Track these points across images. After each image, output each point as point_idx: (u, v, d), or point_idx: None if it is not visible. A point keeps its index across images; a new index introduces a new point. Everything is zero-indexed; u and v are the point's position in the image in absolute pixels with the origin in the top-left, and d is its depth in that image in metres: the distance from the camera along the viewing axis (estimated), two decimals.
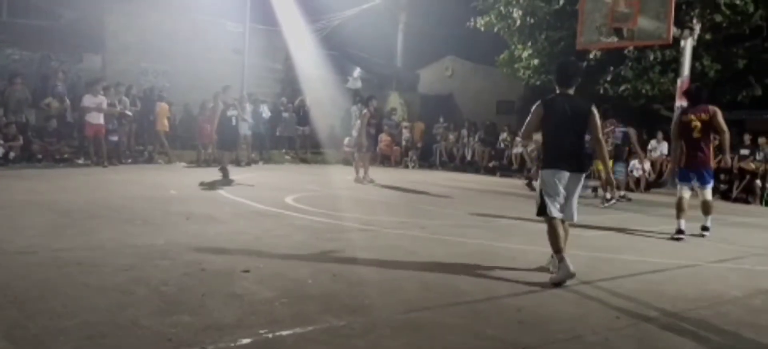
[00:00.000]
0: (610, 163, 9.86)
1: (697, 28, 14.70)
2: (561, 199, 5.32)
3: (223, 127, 12.86)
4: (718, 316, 4.42)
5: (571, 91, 5.44)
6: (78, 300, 3.97)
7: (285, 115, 19.94)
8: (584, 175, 5.46)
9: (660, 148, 16.29)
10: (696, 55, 15.02)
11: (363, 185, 12.92)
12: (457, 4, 21.09)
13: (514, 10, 17.76)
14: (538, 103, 5.47)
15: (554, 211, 5.28)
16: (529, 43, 18.04)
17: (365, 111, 13.86)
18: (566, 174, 5.29)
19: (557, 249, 5.19)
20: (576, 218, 5.47)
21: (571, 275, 5.05)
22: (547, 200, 5.29)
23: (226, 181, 12.00)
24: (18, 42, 17.01)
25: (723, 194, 14.03)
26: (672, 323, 4.21)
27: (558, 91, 5.46)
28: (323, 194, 11.08)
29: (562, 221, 5.34)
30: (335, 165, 18.87)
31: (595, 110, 5.41)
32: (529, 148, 17.94)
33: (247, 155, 17.13)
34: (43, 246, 5.41)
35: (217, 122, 13.08)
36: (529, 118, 5.47)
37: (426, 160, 21.02)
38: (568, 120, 5.30)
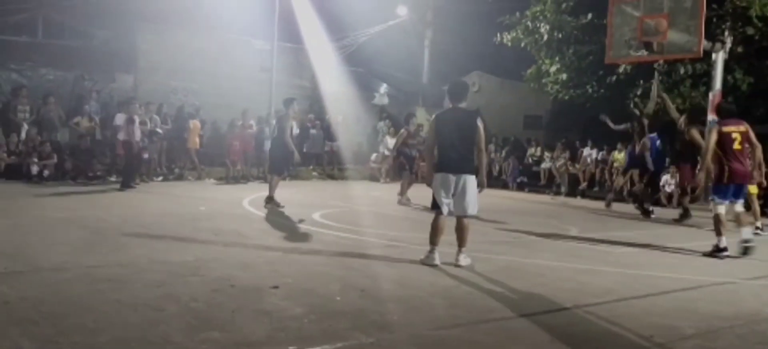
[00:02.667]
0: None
1: (729, 41, 14.47)
2: (449, 199, 6.15)
3: (280, 148, 10.81)
4: (754, 334, 4.31)
5: (462, 105, 6.31)
6: (110, 316, 4.01)
7: (312, 131, 20.06)
8: (473, 177, 6.17)
9: None
10: (728, 69, 14.78)
11: (397, 204, 12.47)
12: (483, 20, 21.05)
13: (542, 25, 17.69)
14: (432, 118, 6.42)
15: (443, 208, 6.19)
16: (557, 58, 17.93)
17: (403, 130, 13.75)
18: (452, 177, 6.10)
19: (433, 241, 6.19)
20: (471, 212, 6.21)
21: (433, 265, 6.04)
22: (438, 200, 6.20)
23: (274, 206, 10.47)
24: (52, 62, 17.43)
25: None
26: (708, 342, 4.11)
27: (450, 106, 6.36)
28: (350, 211, 11.10)
29: (460, 217, 6.20)
30: (362, 181, 18.90)
31: (480, 123, 6.21)
32: (558, 164, 17.79)
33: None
34: (76, 263, 5.49)
35: (280, 142, 10.88)
36: (429, 133, 6.48)
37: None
38: (455, 131, 6.14)
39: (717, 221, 7.55)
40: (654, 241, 8.63)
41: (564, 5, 17.32)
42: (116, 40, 18.61)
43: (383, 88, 24.75)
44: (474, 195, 6.18)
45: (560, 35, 17.50)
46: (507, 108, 23.75)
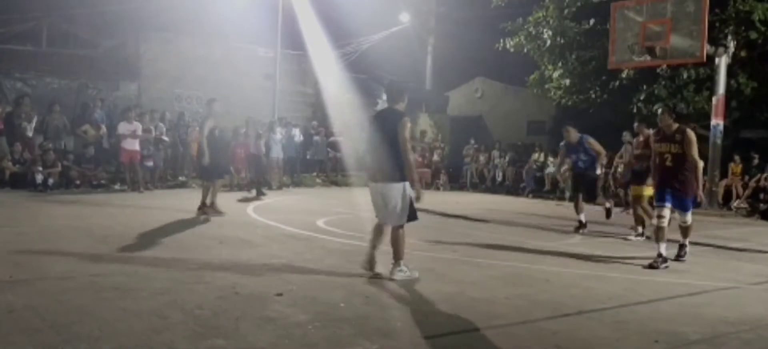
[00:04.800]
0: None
1: (732, 45, 14.48)
2: (375, 206, 5.83)
3: (212, 150, 10.01)
4: (760, 339, 4.29)
5: (399, 107, 5.77)
6: (115, 324, 4.02)
7: (316, 138, 20.09)
8: (397, 184, 5.59)
9: None
10: (731, 73, 14.78)
11: (437, 205, 12.96)
12: (485, 26, 21.11)
13: (544, 30, 17.71)
14: (369, 118, 6.13)
15: (377, 216, 5.85)
16: (560, 64, 17.94)
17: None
18: (375, 185, 5.74)
19: (373, 244, 5.89)
20: (396, 222, 5.69)
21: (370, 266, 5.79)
22: (374, 208, 5.86)
23: (216, 213, 10.04)
24: (57, 70, 17.53)
25: (762, 214, 13.71)
26: (713, 347, 4.10)
27: (386, 107, 5.92)
28: (354, 217, 11.09)
29: (390, 228, 5.77)
30: (366, 188, 18.88)
31: (404, 121, 5.57)
32: (563, 169, 17.76)
33: (279, 179, 17.27)
34: (81, 271, 5.51)
35: (200, 145, 10.30)
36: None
37: (456, 181, 20.94)
38: (379, 134, 5.73)
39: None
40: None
41: (566, 11, 17.33)
42: (120, 49, 18.72)
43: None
44: (397, 203, 5.60)
45: (563, 41, 17.51)
46: (510, 114, 23.78)
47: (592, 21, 16.89)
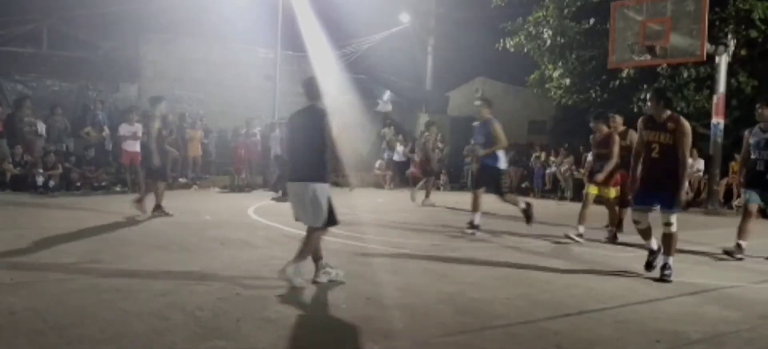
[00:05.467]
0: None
1: (732, 44, 14.48)
2: (294, 207, 5.55)
3: (160, 151, 9.86)
4: (762, 339, 4.29)
5: (319, 104, 5.62)
6: (116, 326, 4.03)
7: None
8: (319, 184, 5.42)
9: (697, 165, 15.98)
10: (731, 72, 14.78)
11: (419, 208, 13.20)
12: (485, 26, 21.12)
13: (544, 30, 17.72)
14: (288, 118, 5.79)
15: (298, 218, 5.59)
16: (560, 63, 17.95)
17: (427, 134, 14.70)
18: (298, 185, 5.45)
19: (316, 257, 5.53)
20: (317, 223, 5.45)
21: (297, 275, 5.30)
22: (292, 210, 5.61)
23: (144, 213, 9.70)
24: (57, 73, 17.53)
25: (763, 212, 13.69)
26: (714, 347, 4.10)
27: (305, 105, 5.69)
28: (355, 218, 11.09)
29: (309, 228, 5.48)
30: (366, 188, 18.89)
31: (328, 120, 5.53)
32: (563, 169, 17.77)
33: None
34: (82, 272, 5.51)
35: (151, 144, 9.88)
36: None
37: (456, 181, 20.93)
38: (302, 133, 5.55)
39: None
40: (659, 246, 8.59)
41: (566, 10, 17.34)
42: (120, 50, 18.72)
43: (387, 95, 24.79)
44: (321, 204, 5.40)
45: (563, 40, 17.51)
46: (511, 114, 23.74)
47: (592, 20, 16.90)
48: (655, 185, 6.08)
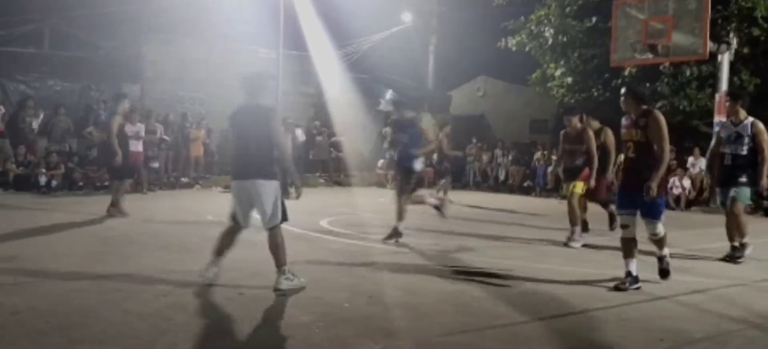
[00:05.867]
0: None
1: (734, 42, 14.44)
2: (245, 209, 5.34)
3: (122, 149, 9.62)
4: (765, 337, 4.30)
5: (261, 101, 5.47)
6: (118, 326, 4.03)
7: (318, 138, 20.09)
8: (270, 182, 5.27)
9: (699, 164, 15.95)
10: (734, 70, 14.74)
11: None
12: (487, 25, 21.10)
13: (546, 29, 17.70)
14: (229, 115, 5.63)
15: (240, 220, 5.39)
16: (562, 62, 17.92)
17: (441, 135, 14.52)
18: (246, 184, 5.27)
19: (218, 251, 5.39)
20: (272, 222, 5.29)
21: (209, 281, 5.18)
22: (235, 212, 5.40)
23: (120, 214, 9.54)
24: (59, 73, 17.53)
25: (766, 211, 13.68)
26: (717, 345, 4.09)
27: (246, 102, 5.49)
28: (357, 217, 11.10)
29: (268, 231, 5.29)
30: (369, 188, 18.89)
31: (275, 117, 5.52)
32: (560, 168, 17.74)
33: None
34: (85, 273, 5.52)
35: (113, 142, 9.57)
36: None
37: (459, 180, 20.91)
38: (249, 130, 5.35)
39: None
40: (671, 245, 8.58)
41: (568, 9, 17.31)
42: (122, 50, 18.71)
43: (389, 94, 24.78)
44: (273, 202, 5.26)
45: (565, 39, 17.49)
46: (513, 112, 23.76)
47: (594, 19, 16.87)
48: (635, 186, 5.58)
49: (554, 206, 14.45)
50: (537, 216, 12.22)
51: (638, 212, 5.66)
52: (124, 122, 9.91)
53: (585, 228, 8.83)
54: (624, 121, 5.86)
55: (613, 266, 6.73)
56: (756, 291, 5.81)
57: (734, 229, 7.26)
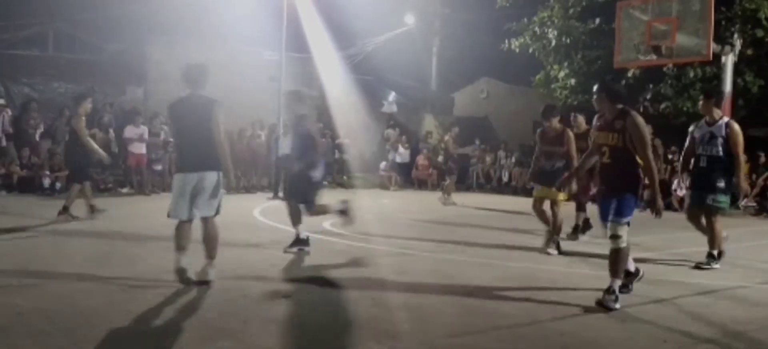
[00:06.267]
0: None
1: (738, 43, 14.43)
2: (188, 202, 5.29)
3: (79, 151, 9.47)
4: None
5: (203, 92, 5.49)
6: (122, 327, 4.03)
7: (321, 140, 20.10)
8: (218, 172, 5.34)
9: None
10: (738, 71, 14.72)
11: (444, 207, 13.65)
12: (490, 26, 21.10)
13: (549, 30, 17.70)
14: (168, 106, 5.64)
15: (180, 213, 5.30)
16: (565, 63, 17.92)
17: (448, 137, 14.98)
18: (193, 176, 5.27)
19: (179, 247, 5.28)
20: (214, 212, 5.40)
21: (182, 272, 5.17)
22: (173, 203, 5.34)
23: (68, 218, 9.26)
24: (63, 76, 17.58)
25: None
26: (722, 347, 4.08)
27: (187, 93, 5.50)
28: (360, 219, 11.08)
29: (205, 221, 5.37)
30: (372, 189, 18.90)
31: (218, 109, 5.43)
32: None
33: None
34: (89, 274, 5.52)
35: (75, 146, 9.47)
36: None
37: (462, 182, 20.90)
38: (193, 122, 5.35)
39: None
40: (664, 246, 8.59)
41: (571, 10, 17.31)
42: (126, 53, 18.75)
43: (392, 96, 24.80)
44: (217, 193, 5.36)
45: (568, 40, 17.49)
46: (516, 114, 23.73)
47: (597, 20, 16.88)
48: (611, 193, 5.12)
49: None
50: (526, 218, 12.18)
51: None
52: (87, 123, 9.62)
53: (586, 227, 8.76)
54: (596, 122, 5.40)
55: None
56: (760, 293, 5.79)
57: (710, 236, 6.94)
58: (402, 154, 20.56)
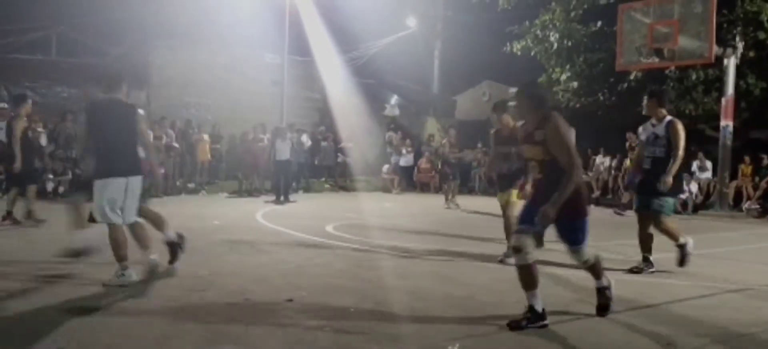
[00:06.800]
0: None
1: (740, 46, 14.43)
2: (120, 205, 5.37)
3: (25, 153, 9.09)
4: None
5: (120, 96, 5.50)
6: (127, 331, 4.04)
7: (324, 144, 20.13)
8: (139, 177, 5.48)
9: (705, 168, 15.93)
10: (740, 74, 14.71)
11: (447, 210, 13.84)
12: (492, 29, 21.11)
13: (551, 33, 17.70)
14: (85, 109, 5.57)
15: (114, 217, 5.36)
16: (567, 66, 17.92)
17: (445, 140, 15.12)
18: (124, 180, 5.36)
19: (121, 257, 5.35)
20: (135, 218, 5.56)
21: (131, 281, 5.26)
22: (107, 208, 5.34)
23: (12, 222, 9.04)
24: (66, 80, 17.65)
25: None
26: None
27: (106, 96, 5.48)
28: (363, 222, 11.11)
29: (132, 225, 5.50)
30: (374, 193, 18.91)
31: (140, 114, 5.51)
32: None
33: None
34: (92, 279, 5.52)
35: (14, 146, 8.96)
36: (82, 129, 5.37)
37: (464, 185, 20.89)
38: (121, 126, 5.42)
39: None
40: (666, 249, 8.55)
41: (573, 13, 17.32)
42: (129, 57, 18.81)
43: (394, 99, 24.82)
44: (137, 196, 5.52)
45: (570, 43, 17.49)
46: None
47: (599, 23, 16.88)
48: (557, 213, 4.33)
49: None
50: None
51: (557, 234, 4.58)
52: (28, 125, 9.38)
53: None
54: (520, 131, 4.87)
55: (618, 270, 6.73)
56: (765, 295, 5.77)
57: (650, 240, 6.65)
58: (406, 158, 20.58)
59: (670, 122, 6.46)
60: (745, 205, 14.87)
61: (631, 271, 6.59)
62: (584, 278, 6.16)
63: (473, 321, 4.57)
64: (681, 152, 6.37)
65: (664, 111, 6.54)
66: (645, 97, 6.70)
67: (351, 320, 4.50)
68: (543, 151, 4.40)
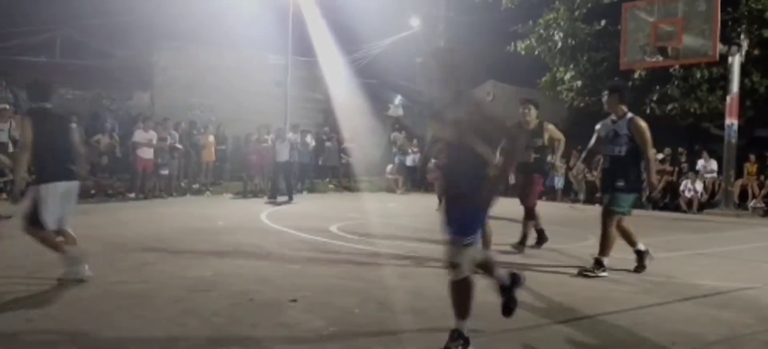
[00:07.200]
0: None
1: (745, 44, 14.40)
2: (53, 210, 5.44)
3: None
4: None
5: (49, 106, 5.60)
6: (132, 333, 4.05)
7: (328, 144, 20.15)
8: (77, 183, 5.64)
9: (709, 166, 15.89)
10: (745, 72, 14.69)
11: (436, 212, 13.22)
12: (496, 29, 21.10)
13: (555, 32, 17.70)
14: (25, 115, 5.63)
15: (51, 223, 5.45)
16: (571, 65, 17.90)
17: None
18: (63, 184, 5.49)
19: (60, 249, 5.51)
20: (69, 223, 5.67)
21: (85, 278, 5.37)
22: (46, 214, 5.39)
23: None
24: (71, 82, 17.71)
25: None
26: (731, 348, 4.06)
27: (37, 106, 5.58)
28: (367, 222, 11.11)
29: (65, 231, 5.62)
30: (378, 193, 18.91)
31: (74, 126, 5.79)
32: (575, 172, 17.67)
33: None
34: (97, 279, 5.54)
35: None
36: (24, 133, 5.44)
37: None
38: (62, 133, 5.59)
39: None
40: (672, 248, 8.56)
41: (577, 12, 17.31)
42: (133, 59, 18.86)
43: (397, 99, 24.81)
44: (75, 201, 5.72)
45: (574, 42, 17.49)
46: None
47: (603, 22, 16.87)
48: (451, 201, 3.82)
49: (565, 212, 14.42)
50: (547, 222, 12.17)
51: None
52: None
53: (542, 239, 8.18)
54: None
55: (622, 270, 6.72)
56: None
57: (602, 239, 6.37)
58: (413, 158, 20.59)
59: (631, 120, 6.32)
60: (751, 203, 14.83)
61: (635, 270, 6.55)
62: (590, 278, 6.16)
63: (477, 321, 4.56)
64: (651, 153, 6.27)
65: (625, 108, 6.39)
66: (605, 93, 6.58)
67: (355, 320, 4.50)
68: (454, 132, 3.72)
